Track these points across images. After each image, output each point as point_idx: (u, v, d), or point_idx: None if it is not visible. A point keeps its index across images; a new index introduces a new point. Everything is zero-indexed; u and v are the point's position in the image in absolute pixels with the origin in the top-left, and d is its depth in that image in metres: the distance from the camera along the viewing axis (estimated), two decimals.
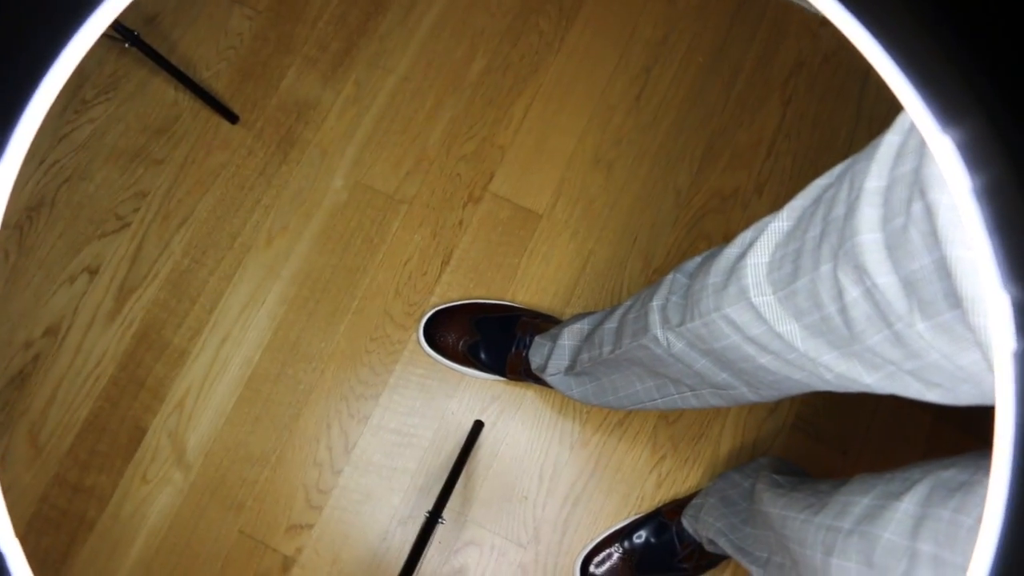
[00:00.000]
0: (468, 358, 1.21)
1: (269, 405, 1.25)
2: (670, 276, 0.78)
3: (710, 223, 1.28)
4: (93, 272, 1.28)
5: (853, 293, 0.52)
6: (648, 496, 1.22)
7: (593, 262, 1.28)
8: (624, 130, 1.32)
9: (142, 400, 1.24)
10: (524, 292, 1.27)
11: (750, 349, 0.65)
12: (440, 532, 1.20)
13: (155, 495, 1.22)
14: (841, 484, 0.67)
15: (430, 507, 1.05)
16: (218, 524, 1.21)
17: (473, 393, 1.24)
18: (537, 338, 1.13)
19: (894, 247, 0.47)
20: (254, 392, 1.25)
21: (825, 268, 0.54)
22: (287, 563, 1.20)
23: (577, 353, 1.01)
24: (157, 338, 1.26)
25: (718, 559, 1.15)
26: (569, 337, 1.04)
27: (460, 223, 1.29)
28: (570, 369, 1.04)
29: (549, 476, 1.22)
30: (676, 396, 0.88)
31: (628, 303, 0.89)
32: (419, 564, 1.02)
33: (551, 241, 1.28)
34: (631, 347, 0.84)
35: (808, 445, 1.23)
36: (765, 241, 0.60)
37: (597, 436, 1.23)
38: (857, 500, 0.61)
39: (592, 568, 1.18)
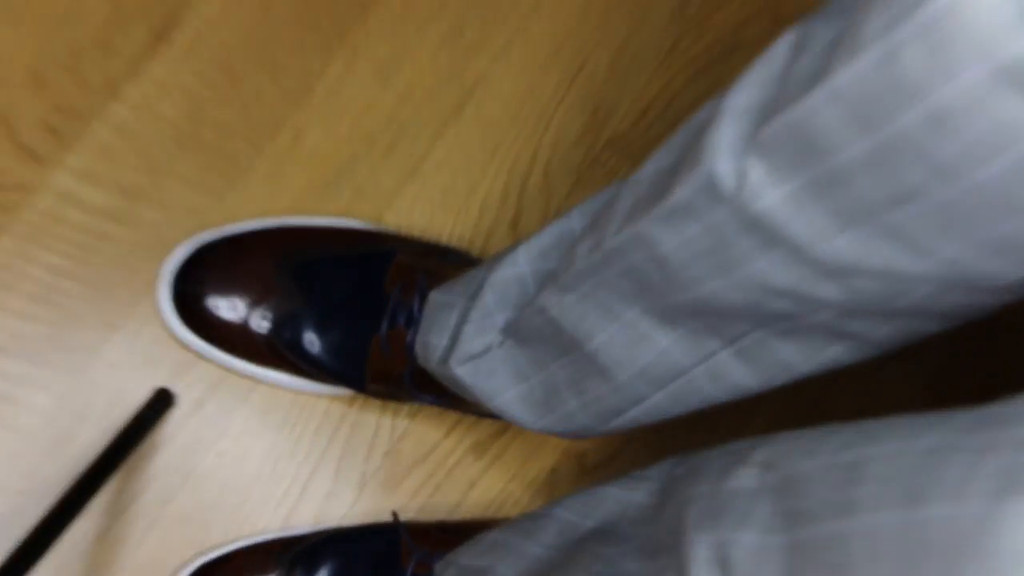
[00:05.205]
0: (275, 353, 0.53)
1: None
2: (791, 36, 0.28)
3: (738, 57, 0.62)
4: None
5: None
6: None
7: (479, 101, 0.60)
8: None
9: None
10: (319, 134, 0.58)
11: None
12: None
13: None
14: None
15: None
16: None
17: (162, 326, 0.55)
18: (433, 294, 0.48)
19: None
20: None
21: None
22: None
23: (539, 285, 0.42)
24: None
25: None
26: (499, 291, 0.44)
27: None
28: (511, 331, 0.44)
29: None
30: (728, 352, 0.37)
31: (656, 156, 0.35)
32: None
33: (392, 39, 0.60)
34: (648, 226, 0.32)
35: None
36: None
37: (422, 469, 0.56)
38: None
39: None
